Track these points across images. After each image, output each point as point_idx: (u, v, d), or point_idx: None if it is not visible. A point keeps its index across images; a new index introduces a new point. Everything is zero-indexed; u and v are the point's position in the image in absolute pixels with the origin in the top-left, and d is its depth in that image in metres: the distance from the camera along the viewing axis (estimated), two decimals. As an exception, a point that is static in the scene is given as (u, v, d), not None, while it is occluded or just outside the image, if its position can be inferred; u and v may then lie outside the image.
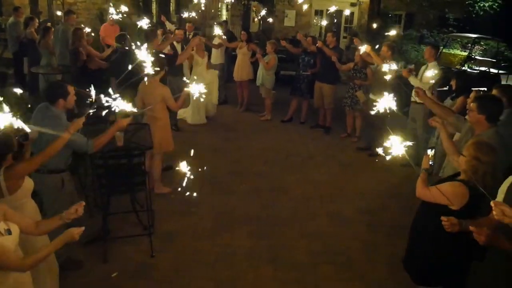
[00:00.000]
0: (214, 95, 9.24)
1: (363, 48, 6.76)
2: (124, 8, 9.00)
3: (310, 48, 8.61)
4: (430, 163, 3.55)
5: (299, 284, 4.29)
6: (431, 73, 6.36)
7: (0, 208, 2.52)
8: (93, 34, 9.21)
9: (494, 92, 4.52)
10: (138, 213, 5.03)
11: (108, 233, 4.61)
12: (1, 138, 2.88)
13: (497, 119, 3.77)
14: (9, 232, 2.50)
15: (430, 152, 3.55)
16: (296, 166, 7.14)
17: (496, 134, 3.56)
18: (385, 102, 2.97)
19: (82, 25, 8.16)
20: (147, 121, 5.54)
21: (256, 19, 20.11)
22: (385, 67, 5.61)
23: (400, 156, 2.72)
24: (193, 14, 10.36)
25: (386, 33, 6.21)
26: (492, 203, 2.45)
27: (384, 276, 4.50)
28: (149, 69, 3.79)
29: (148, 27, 7.17)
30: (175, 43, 8.05)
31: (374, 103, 3.04)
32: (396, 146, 2.70)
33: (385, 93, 3.01)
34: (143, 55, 3.69)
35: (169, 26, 10.47)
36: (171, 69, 7.21)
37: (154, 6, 18.69)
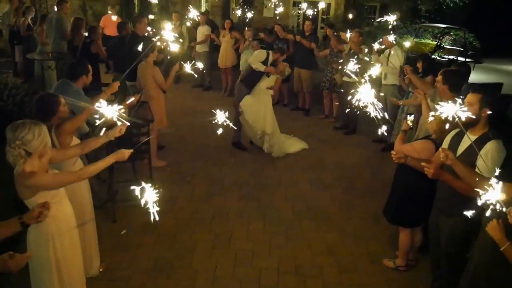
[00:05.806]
0: (268, 122, 7.03)
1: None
2: None
3: (287, 37, 9.29)
4: (410, 125, 4.27)
5: (286, 235, 4.97)
6: (396, 56, 7.16)
7: (49, 154, 3.04)
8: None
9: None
10: (139, 181, 5.59)
11: (116, 194, 5.16)
12: (52, 98, 3.49)
13: (458, 89, 4.47)
14: None
15: (410, 118, 4.29)
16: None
17: None
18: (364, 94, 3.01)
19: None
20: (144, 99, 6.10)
21: (235, 11, 20.61)
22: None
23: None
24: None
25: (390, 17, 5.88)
26: (440, 149, 3.23)
27: (358, 228, 5.21)
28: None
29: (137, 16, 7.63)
30: None
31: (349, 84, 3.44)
32: (365, 93, 2.94)
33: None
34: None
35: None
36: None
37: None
